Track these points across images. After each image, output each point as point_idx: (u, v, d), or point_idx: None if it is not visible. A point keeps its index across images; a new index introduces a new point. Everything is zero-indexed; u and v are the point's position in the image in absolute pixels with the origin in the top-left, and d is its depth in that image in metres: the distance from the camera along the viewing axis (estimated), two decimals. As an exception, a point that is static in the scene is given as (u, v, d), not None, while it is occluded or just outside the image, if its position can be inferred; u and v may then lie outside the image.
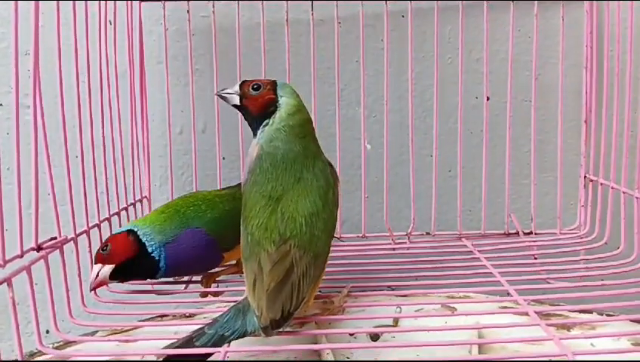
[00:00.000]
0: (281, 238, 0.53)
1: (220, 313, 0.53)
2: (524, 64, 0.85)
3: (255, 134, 0.59)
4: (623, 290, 0.61)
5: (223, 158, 0.83)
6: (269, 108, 0.58)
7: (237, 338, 0.51)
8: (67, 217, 0.60)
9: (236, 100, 0.60)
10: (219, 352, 0.50)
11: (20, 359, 0.50)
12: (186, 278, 0.71)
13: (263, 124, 0.58)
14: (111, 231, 0.70)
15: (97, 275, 0.59)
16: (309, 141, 0.59)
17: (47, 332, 0.62)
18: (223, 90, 0.61)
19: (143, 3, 0.80)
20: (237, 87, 0.60)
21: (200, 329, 0.51)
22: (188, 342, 0.50)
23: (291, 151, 0.57)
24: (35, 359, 0.56)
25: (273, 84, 0.60)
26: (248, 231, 0.55)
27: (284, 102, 0.59)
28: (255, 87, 0.59)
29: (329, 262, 0.72)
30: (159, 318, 0.63)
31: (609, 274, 0.68)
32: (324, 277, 0.58)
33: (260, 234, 0.54)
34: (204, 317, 0.62)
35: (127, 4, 0.78)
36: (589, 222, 0.83)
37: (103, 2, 0.73)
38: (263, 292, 0.51)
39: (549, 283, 0.68)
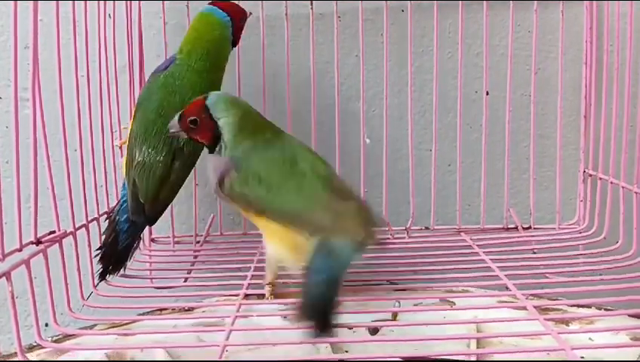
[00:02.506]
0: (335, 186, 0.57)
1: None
2: (523, 59, 0.85)
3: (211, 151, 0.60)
4: (622, 285, 0.61)
5: (223, 152, 0.83)
6: (215, 135, 0.58)
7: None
8: (66, 211, 0.60)
9: (184, 135, 0.60)
10: (218, 346, 0.50)
11: (19, 352, 0.50)
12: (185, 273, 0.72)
13: (217, 149, 0.59)
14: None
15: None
16: (266, 123, 0.61)
17: (47, 325, 0.62)
18: (170, 130, 0.60)
19: (141, -2, 0.80)
20: (176, 124, 0.59)
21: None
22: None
23: (254, 140, 0.59)
24: (33, 355, 0.56)
25: (205, 109, 0.59)
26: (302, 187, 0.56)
27: (224, 124, 0.58)
28: (193, 121, 0.58)
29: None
30: (158, 312, 0.63)
31: (608, 268, 0.68)
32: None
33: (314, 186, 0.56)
34: (203, 311, 0.62)
35: (126, -3, 0.78)
36: (588, 217, 0.83)
37: (102, -4, 0.72)
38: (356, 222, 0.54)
39: (547, 277, 0.68)
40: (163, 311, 0.62)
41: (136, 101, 0.79)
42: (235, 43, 0.73)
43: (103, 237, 0.67)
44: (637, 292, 0.59)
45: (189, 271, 0.72)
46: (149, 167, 0.65)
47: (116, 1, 0.76)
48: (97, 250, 0.66)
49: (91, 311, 0.62)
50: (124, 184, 0.68)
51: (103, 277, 0.66)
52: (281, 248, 0.57)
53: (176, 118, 0.59)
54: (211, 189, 0.60)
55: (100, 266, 0.66)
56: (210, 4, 0.72)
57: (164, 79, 0.68)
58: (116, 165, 0.75)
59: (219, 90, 0.71)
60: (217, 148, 0.59)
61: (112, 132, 0.74)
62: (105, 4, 0.73)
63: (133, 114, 0.71)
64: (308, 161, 0.58)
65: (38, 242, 0.55)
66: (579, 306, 0.61)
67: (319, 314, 0.51)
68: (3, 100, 0.83)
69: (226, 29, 0.71)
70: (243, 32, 0.74)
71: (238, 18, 0.72)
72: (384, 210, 0.81)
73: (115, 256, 0.66)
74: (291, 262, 0.57)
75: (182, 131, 0.60)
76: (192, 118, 0.59)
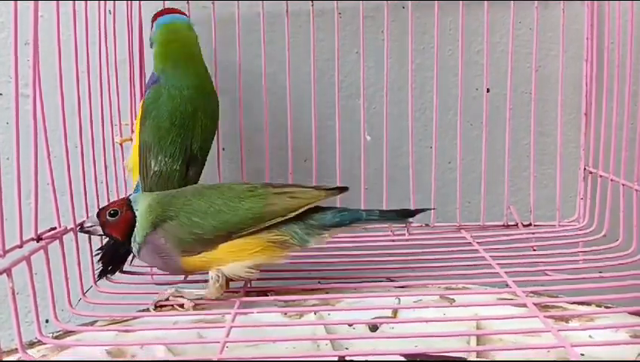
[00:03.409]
0: (263, 184, 0.63)
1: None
2: (524, 56, 0.85)
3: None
4: (622, 282, 0.61)
5: (223, 149, 0.83)
6: (129, 229, 0.60)
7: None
8: (67, 207, 0.60)
9: (100, 231, 0.61)
10: (218, 343, 0.50)
11: (19, 348, 0.50)
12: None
13: (132, 239, 0.61)
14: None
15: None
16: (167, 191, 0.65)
17: (47, 321, 0.62)
18: (84, 226, 0.61)
19: (142, -7, 0.80)
20: (95, 218, 0.61)
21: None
22: None
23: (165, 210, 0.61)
24: (34, 352, 0.56)
25: (128, 203, 0.61)
26: (245, 196, 0.60)
27: (139, 213, 0.60)
28: (112, 213, 0.60)
29: (330, 253, 0.72)
30: (159, 308, 0.63)
31: (607, 266, 0.68)
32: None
33: (252, 190, 0.61)
34: (204, 308, 0.62)
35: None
36: (588, 215, 0.83)
37: (102, -8, 0.72)
38: (309, 190, 0.61)
39: (547, 274, 0.68)
40: (163, 308, 0.62)
41: (134, 100, 0.79)
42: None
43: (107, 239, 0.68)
44: (637, 290, 0.59)
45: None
46: (166, 176, 0.67)
47: (117, 0, 0.76)
48: (98, 250, 0.66)
49: (92, 308, 0.63)
50: (136, 187, 0.69)
51: (101, 276, 0.66)
52: (258, 255, 0.59)
53: (95, 213, 0.62)
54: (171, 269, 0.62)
55: (100, 266, 0.66)
56: (160, 14, 0.74)
57: (168, 91, 0.70)
58: (116, 161, 0.75)
59: (211, 79, 0.74)
60: (131, 240, 0.61)
61: (112, 127, 0.74)
62: (105, 1, 0.73)
63: (137, 123, 0.71)
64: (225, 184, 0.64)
65: (38, 238, 0.55)
66: (579, 304, 0.61)
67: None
68: (3, 97, 0.83)
69: (192, 28, 0.74)
70: (242, 27, 0.77)
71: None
72: (384, 206, 0.81)
73: (116, 257, 0.67)
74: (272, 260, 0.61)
75: (97, 226, 0.61)
76: (113, 209, 0.61)
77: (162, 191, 0.65)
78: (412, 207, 0.81)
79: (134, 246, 0.61)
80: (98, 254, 0.66)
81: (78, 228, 0.62)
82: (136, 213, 0.60)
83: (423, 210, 0.65)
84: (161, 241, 0.59)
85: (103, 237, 0.67)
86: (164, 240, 0.59)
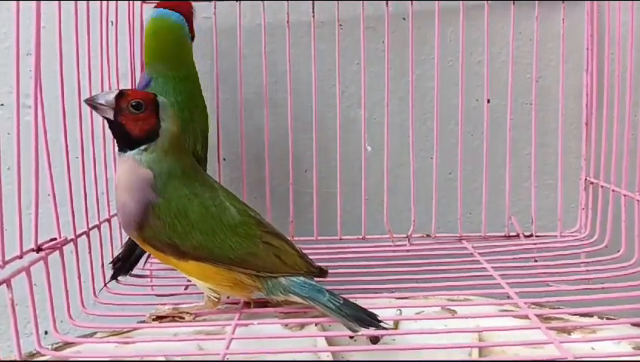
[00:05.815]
0: (258, 221, 0.59)
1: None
2: (524, 67, 0.85)
3: (123, 150, 0.56)
4: (624, 293, 0.61)
5: (224, 159, 0.83)
6: (149, 133, 0.56)
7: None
8: (67, 218, 0.60)
9: (110, 114, 0.55)
10: (218, 354, 0.49)
11: (18, 359, 0.50)
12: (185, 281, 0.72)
13: (142, 147, 0.56)
14: (111, 233, 0.71)
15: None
16: (187, 153, 0.61)
17: (46, 333, 0.62)
18: (95, 99, 0.55)
19: (144, 4, 0.80)
20: (112, 99, 0.55)
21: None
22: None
23: (180, 166, 0.57)
24: (34, 359, 0.55)
25: (155, 104, 0.56)
26: (237, 232, 0.57)
27: (166, 129, 0.57)
28: (137, 105, 0.55)
29: (330, 264, 0.72)
30: (158, 319, 0.62)
31: (610, 277, 0.68)
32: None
33: (247, 228, 0.57)
34: (204, 319, 0.61)
35: (128, 4, 0.78)
36: (590, 225, 0.83)
37: (104, 3, 0.73)
38: (295, 255, 0.58)
39: (549, 286, 0.68)
40: (163, 319, 0.62)
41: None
42: (192, 37, 0.74)
43: (121, 249, 0.69)
44: (639, 301, 0.58)
45: (190, 279, 0.72)
46: None
47: (118, 4, 0.76)
48: (111, 262, 0.68)
49: (91, 319, 0.62)
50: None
51: (113, 277, 0.68)
52: (222, 287, 0.58)
53: (114, 93, 0.55)
54: (124, 222, 0.57)
55: (111, 271, 0.68)
56: (156, 6, 0.73)
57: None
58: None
59: (200, 84, 0.73)
60: (140, 149, 0.56)
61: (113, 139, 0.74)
62: (108, 11, 0.73)
63: None
64: (228, 198, 0.59)
65: (38, 249, 0.55)
66: (581, 315, 0.61)
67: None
68: (5, 107, 0.83)
69: (184, 28, 0.72)
70: (243, 38, 0.77)
71: (187, 12, 0.72)
72: (385, 217, 0.81)
73: (127, 264, 0.68)
74: (233, 295, 0.60)
75: (111, 109, 0.55)
76: (138, 101, 0.55)
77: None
78: (412, 218, 0.81)
79: (151, 150, 0.56)
80: (112, 262, 0.68)
81: (86, 99, 0.55)
82: (162, 124, 0.56)
83: (381, 333, 0.54)
84: (152, 197, 0.55)
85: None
86: (157, 206, 0.55)
